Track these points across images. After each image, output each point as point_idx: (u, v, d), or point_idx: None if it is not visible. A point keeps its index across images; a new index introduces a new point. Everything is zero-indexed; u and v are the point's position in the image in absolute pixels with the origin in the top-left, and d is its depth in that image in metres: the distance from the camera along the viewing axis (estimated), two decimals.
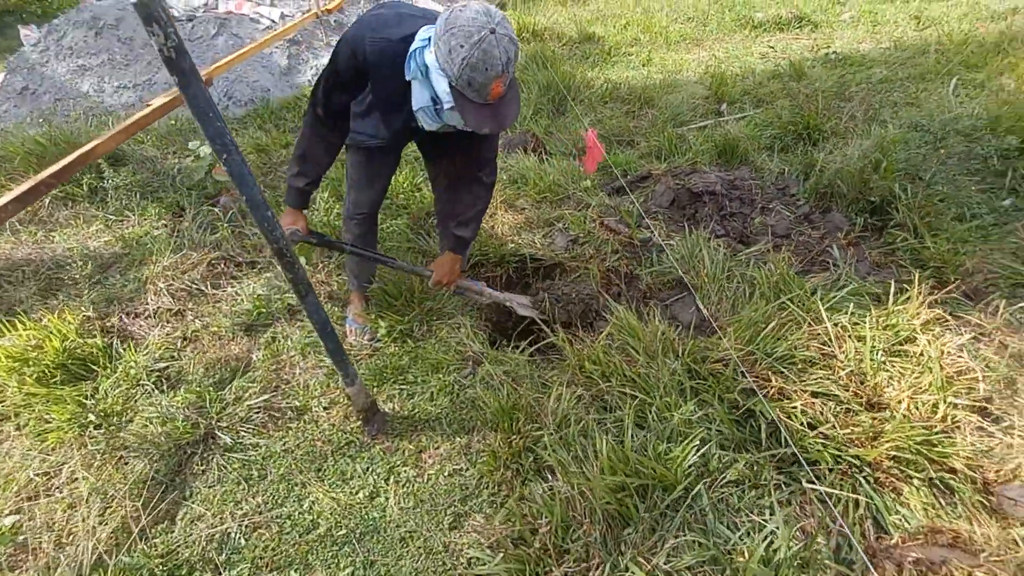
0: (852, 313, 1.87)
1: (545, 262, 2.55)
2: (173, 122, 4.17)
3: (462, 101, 1.37)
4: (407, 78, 1.48)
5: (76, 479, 1.74)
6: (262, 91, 4.78)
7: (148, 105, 2.77)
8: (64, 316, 2.21)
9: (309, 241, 1.83)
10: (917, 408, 1.56)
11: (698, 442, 1.52)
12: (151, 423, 1.85)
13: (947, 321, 1.81)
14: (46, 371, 1.99)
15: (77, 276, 2.54)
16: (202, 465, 1.76)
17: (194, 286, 2.55)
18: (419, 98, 1.51)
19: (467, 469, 1.70)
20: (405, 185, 3.13)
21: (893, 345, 1.74)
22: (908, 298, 1.86)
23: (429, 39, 1.40)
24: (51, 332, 2.09)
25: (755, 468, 1.49)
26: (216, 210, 3.00)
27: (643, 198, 2.82)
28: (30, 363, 2.00)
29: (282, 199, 1.96)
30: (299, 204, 1.78)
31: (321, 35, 5.78)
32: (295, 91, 4.90)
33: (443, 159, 1.99)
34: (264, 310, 2.38)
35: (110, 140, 2.37)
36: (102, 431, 1.84)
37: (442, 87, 1.41)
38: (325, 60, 5.39)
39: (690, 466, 1.47)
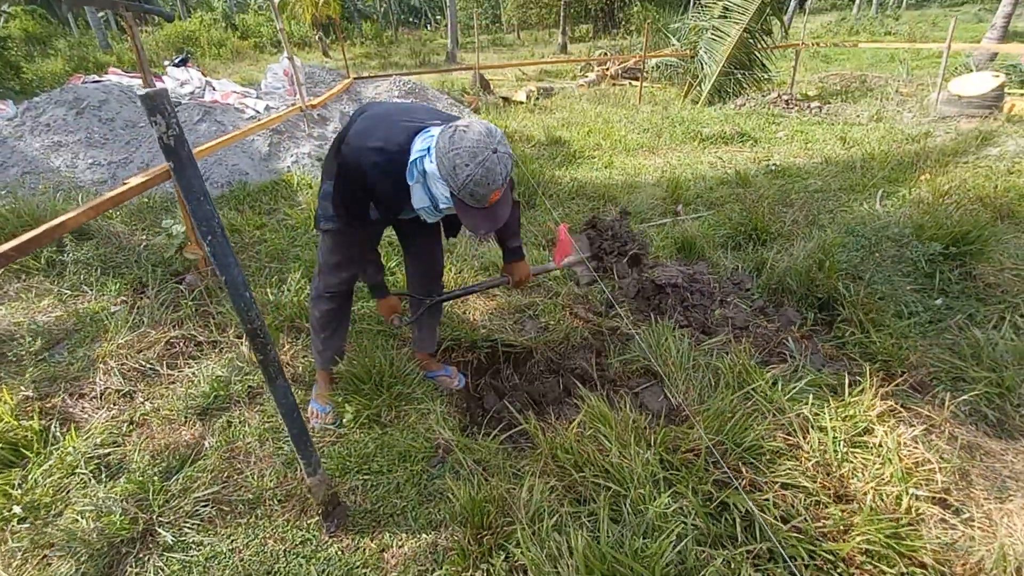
0: (812, 404, 1.94)
1: (516, 348, 2.58)
2: (146, 200, 4.18)
3: (462, 207, 1.49)
4: (409, 183, 1.59)
5: None
6: (240, 174, 4.89)
7: (124, 183, 2.78)
8: (0, 395, 2.05)
9: (412, 322, 2.17)
10: (882, 499, 1.59)
11: (675, 537, 1.49)
12: (83, 517, 1.67)
13: (900, 412, 1.90)
14: None
15: (22, 352, 2.39)
16: (136, 567, 1.59)
17: (148, 366, 2.43)
18: (419, 199, 1.62)
19: (433, 571, 1.59)
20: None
21: (853, 436, 1.80)
22: (862, 389, 1.96)
23: (428, 148, 1.51)
24: None
25: (732, 566, 1.46)
26: (181, 287, 2.95)
27: (610, 289, 2.94)
28: None
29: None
30: (384, 293, 1.98)
31: (304, 126, 6.06)
32: (274, 176, 5.03)
33: (424, 237, 2.11)
34: (222, 392, 2.28)
35: (81, 215, 2.34)
36: (27, 525, 1.65)
37: (442, 192, 1.52)
38: (306, 148, 5.60)
39: (668, 564, 1.43)
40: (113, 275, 3.16)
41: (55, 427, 2.06)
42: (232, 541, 1.66)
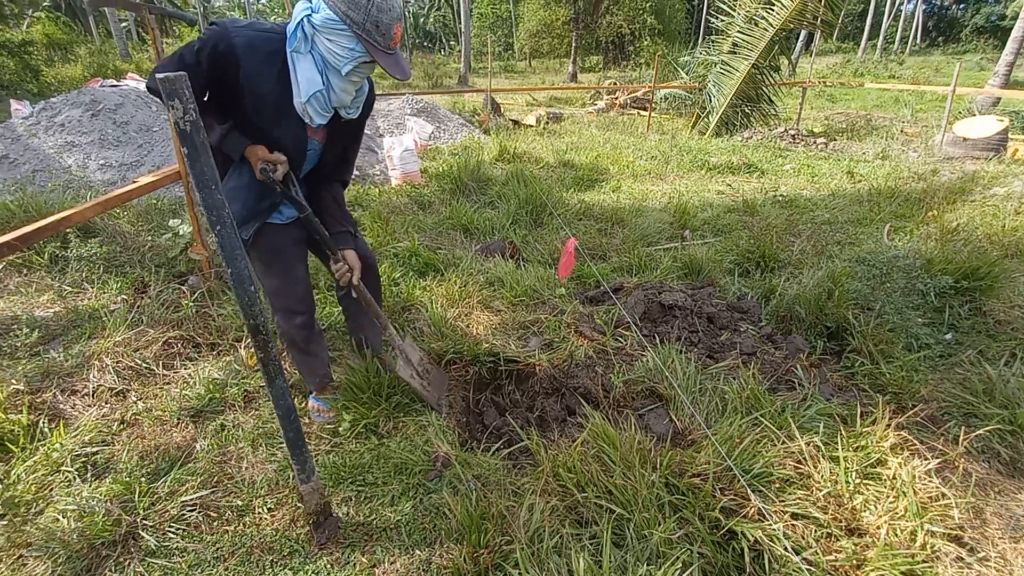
0: (823, 433, 1.88)
1: (519, 365, 2.53)
2: (154, 201, 4.18)
3: (373, 49, 1.42)
4: (291, 52, 1.45)
5: None
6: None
7: (134, 181, 2.78)
8: None
9: (278, 185, 1.60)
10: (897, 534, 1.52)
11: (680, 565, 1.42)
12: (65, 516, 1.61)
13: (913, 445, 1.84)
14: None
15: (18, 344, 2.34)
16: (116, 572, 1.52)
17: (144, 365, 2.39)
18: (307, 81, 1.46)
19: None
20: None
21: (866, 467, 1.74)
22: (874, 420, 1.90)
23: (310, 7, 1.43)
24: None
25: None
26: (183, 288, 2.92)
27: (617, 308, 2.90)
28: None
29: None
30: (243, 143, 1.56)
31: None
32: None
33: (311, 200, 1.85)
34: (217, 395, 2.23)
35: (88, 210, 2.33)
36: (4, 523, 1.59)
37: (341, 44, 1.41)
38: None
39: None
40: (116, 274, 3.14)
41: (43, 423, 2.01)
42: (218, 549, 1.59)
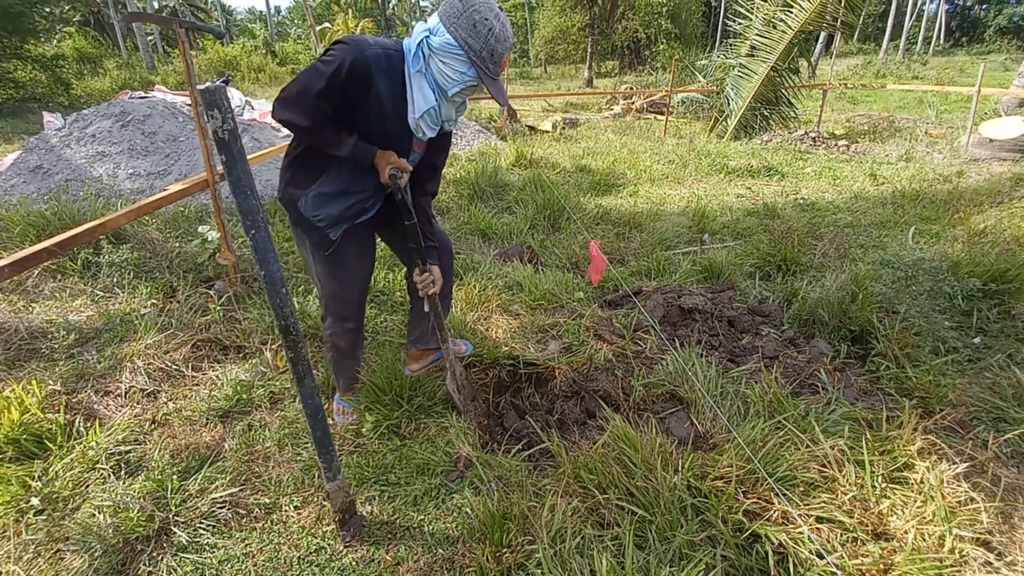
0: (848, 437, 1.86)
1: (539, 367, 2.54)
2: (181, 209, 4.30)
3: (483, 75, 1.49)
4: (412, 70, 1.52)
5: (1, 573, 1.51)
6: (273, 189, 5.02)
7: (164, 189, 2.87)
8: (30, 387, 2.08)
9: (401, 191, 1.67)
10: (924, 539, 1.50)
11: (703, 567, 1.42)
12: (101, 512, 1.66)
13: (941, 449, 1.81)
14: None
15: (56, 346, 2.43)
16: (149, 566, 1.56)
17: (174, 367, 2.46)
18: (422, 99, 1.54)
19: None
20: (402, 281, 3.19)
21: (892, 471, 1.72)
22: (900, 424, 1.88)
23: (429, 29, 1.49)
24: (12, 403, 1.95)
25: None
26: (211, 293, 2.99)
27: (636, 312, 2.90)
28: None
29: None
30: (372, 150, 1.62)
31: None
32: None
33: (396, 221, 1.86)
34: (244, 396, 2.28)
35: (121, 217, 2.41)
36: (43, 517, 1.65)
37: (454, 67, 1.48)
38: None
39: None
40: (145, 279, 3.23)
41: (79, 422, 2.08)
42: (247, 545, 1.63)
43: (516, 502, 1.66)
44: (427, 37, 1.48)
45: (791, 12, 8.06)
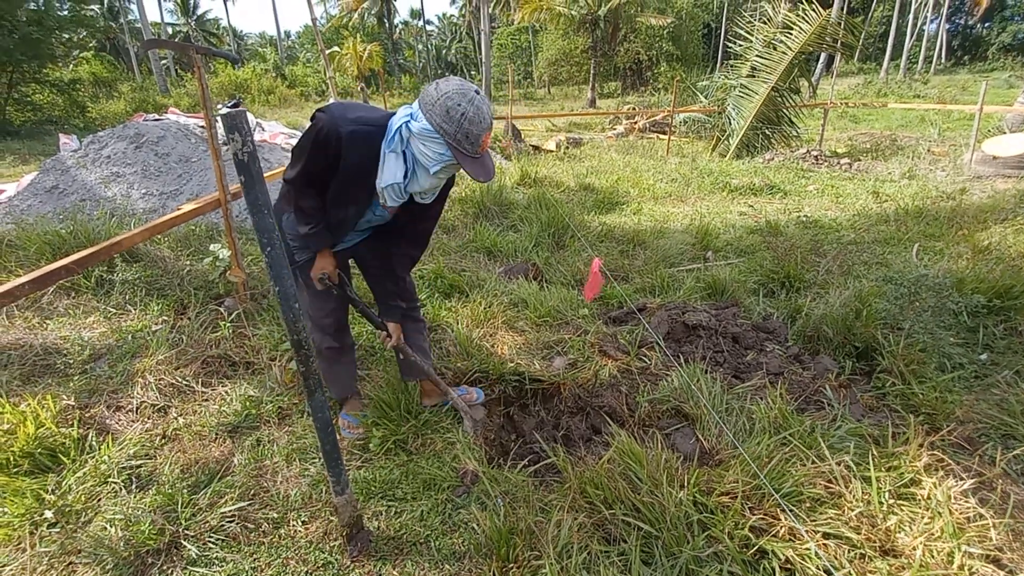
0: (854, 453, 1.86)
1: (544, 383, 2.56)
2: (192, 228, 4.38)
3: (461, 156, 1.55)
4: (387, 150, 1.62)
5: None
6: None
7: (178, 209, 2.94)
8: (45, 402, 2.11)
9: (336, 287, 1.92)
10: (932, 556, 1.49)
11: None
12: (113, 525, 1.68)
13: (948, 465, 1.81)
14: (11, 458, 1.86)
15: (70, 362, 2.48)
16: None
17: (184, 383, 2.49)
18: (390, 174, 1.63)
19: None
20: None
21: (899, 487, 1.72)
22: (907, 439, 1.88)
23: (411, 114, 1.59)
24: (28, 417, 1.99)
25: None
26: (221, 310, 3.04)
27: (640, 328, 2.92)
28: None
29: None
30: (324, 244, 1.84)
31: None
32: None
33: (375, 256, 2.08)
34: (253, 412, 2.31)
35: (136, 235, 2.47)
36: (57, 530, 1.67)
37: (433, 150, 1.56)
38: None
39: None
40: (157, 296, 3.28)
41: (92, 436, 2.11)
42: (255, 559, 1.65)
43: (522, 517, 1.67)
44: (408, 122, 1.59)
45: (791, 34, 8.21)
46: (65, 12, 13.63)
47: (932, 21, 37.86)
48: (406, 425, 2.16)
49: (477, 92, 1.52)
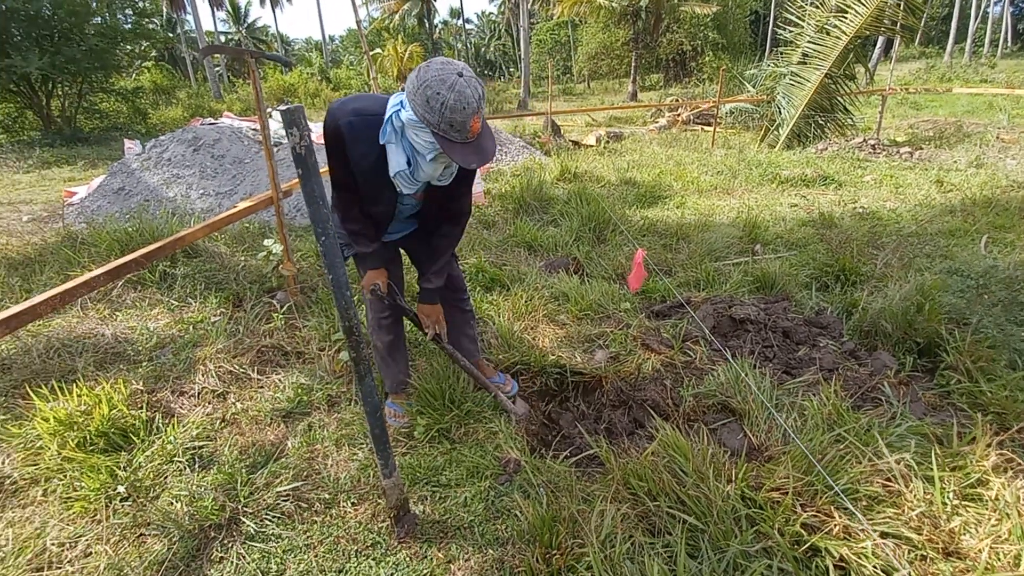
0: (914, 451, 1.77)
1: (586, 376, 2.55)
2: (246, 225, 4.59)
3: (448, 144, 1.49)
4: (382, 142, 1.61)
5: (91, 553, 1.66)
6: (328, 207, 5.27)
7: (234, 207, 3.09)
8: (117, 386, 2.27)
9: (386, 298, 2.00)
10: (999, 558, 1.41)
11: None
12: (178, 501, 1.80)
13: (1020, 466, 1.69)
14: (88, 437, 2.01)
15: (139, 349, 2.64)
16: (221, 552, 1.67)
17: (241, 370, 2.62)
18: (395, 163, 1.63)
19: None
20: None
21: (964, 487, 1.62)
22: (973, 438, 1.77)
23: (400, 103, 1.56)
24: (102, 400, 2.14)
25: None
26: (274, 302, 3.18)
27: (684, 322, 2.87)
28: (75, 427, 2.02)
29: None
30: (377, 264, 1.94)
31: None
32: None
33: (420, 243, 2.11)
34: (304, 399, 2.41)
35: (197, 232, 2.61)
36: (129, 503, 1.80)
37: (423, 139, 1.53)
38: None
39: None
40: (215, 289, 3.46)
41: (159, 419, 2.25)
42: (308, 537, 1.72)
43: (565, 506, 1.68)
44: (397, 111, 1.56)
45: (845, 18, 7.82)
46: (129, 25, 14.47)
47: (996, 3, 35.23)
48: (449, 414, 2.20)
49: (460, 74, 1.44)
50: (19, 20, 11.39)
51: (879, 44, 19.13)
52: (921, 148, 8.22)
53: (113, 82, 14.93)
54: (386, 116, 1.59)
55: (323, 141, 1.69)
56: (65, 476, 1.92)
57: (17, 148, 11.37)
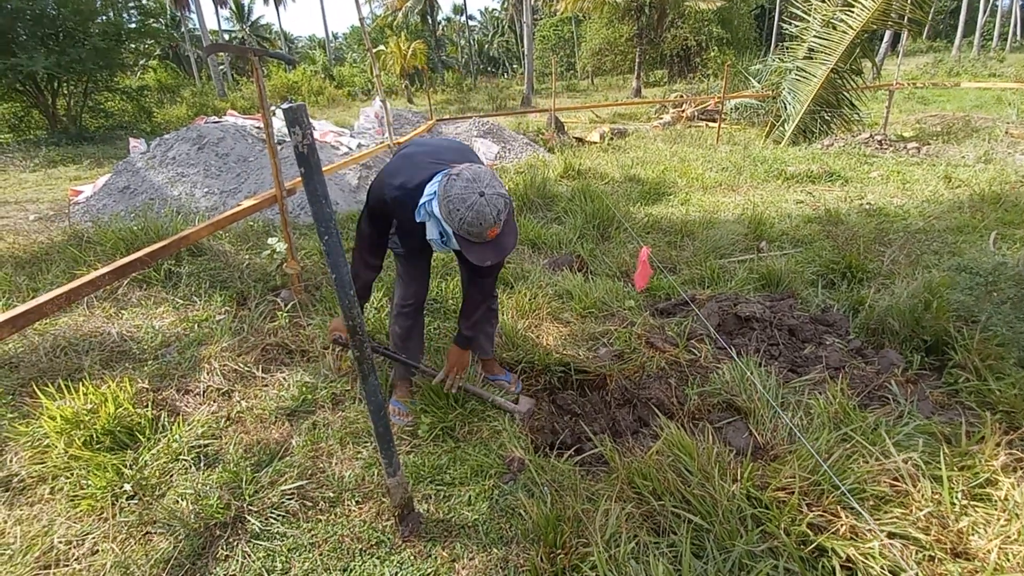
0: (922, 450, 1.76)
1: (590, 374, 2.54)
2: (251, 224, 4.59)
3: (466, 244, 1.62)
4: (418, 220, 1.77)
5: (97, 551, 1.67)
6: (331, 204, 5.27)
7: (238, 205, 3.09)
8: (123, 385, 2.28)
9: (350, 347, 2.04)
10: (1009, 559, 1.39)
11: None
12: (184, 499, 1.80)
13: None
14: (95, 435, 2.01)
15: (144, 348, 2.65)
16: (226, 550, 1.68)
17: (246, 369, 2.62)
18: (430, 232, 1.80)
19: None
20: (454, 291, 3.28)
21: (973, 487, 1.61)
22: (982, 437, 1.76)
23: (434, 193, 1.66)
24: (108, 398, 2.15)
25: None
26: (278, 301, 3.18)
27: (689, 320, 2.86)
28: (82, 426, 2.03)
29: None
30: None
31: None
32: (360, 206, 5.38)
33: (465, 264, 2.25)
34: (309, 397, 2.41)
35: (202, 230, 2.62)
36: (135, 501, 1.80)
37: (448, 230, 1.67)
38: None
39: None
40: (220, 288, 3.47)
41: (164, 417, 2.25)
42: (313, 535, 1.72)
43: (569, 505, 1.67)
44: (431, 199, 1.69)
45: (852, 12, 7.74)
46: (134, 24, 14.52)
47: None
48: (453, 413, 2.20)
49: (481, 194, 1.54)
50: (24, 19, 11.45)
51: (886, 38, 18.96)
52: (928, 143, 8.15)
53: (118, 81, 15.00)
54: (422, 200, 1.73)
55: (369, 194, 1.90)
56: (72, 474, 1.93)
57: (23, 147, 11.45)
